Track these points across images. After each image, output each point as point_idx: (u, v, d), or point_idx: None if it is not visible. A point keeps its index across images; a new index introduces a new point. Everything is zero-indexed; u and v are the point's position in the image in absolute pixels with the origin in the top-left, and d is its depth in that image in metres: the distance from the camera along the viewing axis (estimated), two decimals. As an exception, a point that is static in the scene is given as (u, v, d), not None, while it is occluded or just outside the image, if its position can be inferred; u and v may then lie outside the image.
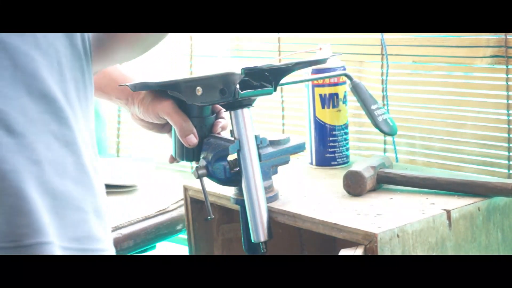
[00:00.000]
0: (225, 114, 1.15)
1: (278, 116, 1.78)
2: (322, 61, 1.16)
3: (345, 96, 1.38)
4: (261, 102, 1.82)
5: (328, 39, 1.58)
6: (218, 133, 1.13)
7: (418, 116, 1.52)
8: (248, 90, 1.07)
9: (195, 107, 1.09)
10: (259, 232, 1.10)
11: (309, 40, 1.63)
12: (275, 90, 1.10)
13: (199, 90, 1.06)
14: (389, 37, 1.51)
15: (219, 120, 1.13)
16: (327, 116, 1.38)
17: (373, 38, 1.54)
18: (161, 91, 1.09)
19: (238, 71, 1.06)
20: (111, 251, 0.89)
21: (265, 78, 1.09)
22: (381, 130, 1.32)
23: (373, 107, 1.33)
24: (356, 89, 1.33)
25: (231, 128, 1.11)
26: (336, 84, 1.37)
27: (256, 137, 1.11)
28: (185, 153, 1.12)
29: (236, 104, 1.08)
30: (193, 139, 1.09)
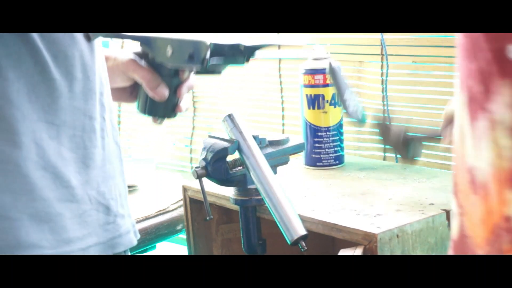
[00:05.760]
0: (221, 119, 1.13)
1: (278, 116, 1.78)
2: (293, 42, 1.12)
3: (334, 98, 1.36)
4: (261, 102, 1.83)
5: (328, 39, 1.58)
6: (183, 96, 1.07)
7: (418, 116, 1.51)
8: (218, 60, 1.02)
9: (163, 67, 1.05)
10: (295, 227, 1.00)
11: (309, 40, 1.63)
12: (247, 61, 1.05)
13: (169, 51, 1.03)
14: (389, 37, 1.51)
15: (185, 81, 1.07)
16: (312, 117, 1.38)
17: (373, 38, 1.54)
18: (126, 56, 1.05)
19: (209, 40, 1.02)
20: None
21: (237, 50, 1.05)
22: (351, 118, 1.27)
23: (347, 93, 1.28)
24: (332, 73, 1.29)
25: (227, 132, 1.10)
26: (325, 86, 1.36)
27: (255, 137, 1.11)
28: (156, 107, 1.06)
29: (203, 71, 1.05)
30: (164, 90, 1.03)
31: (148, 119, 1.12)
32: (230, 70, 1.89)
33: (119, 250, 0.91)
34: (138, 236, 0.95)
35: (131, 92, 1.08)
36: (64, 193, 0.85)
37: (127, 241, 0.92)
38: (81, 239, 0.86)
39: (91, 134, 0.88)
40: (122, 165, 0.95)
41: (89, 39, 0.85)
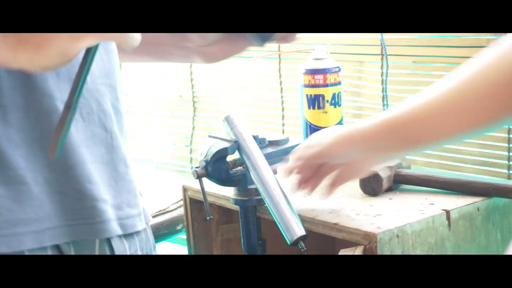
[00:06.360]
0: (221, 119, 1.12)
1: (278, 116, 1.78)
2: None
3: (334, 98, 1.37)
4: (261, 102, 1.83)
5: (328, 39, 1.58)
6: None
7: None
8: None
9: None
10: (294, 227, 1.01)
11: (309, 40, 1.63)
12: None
13: None
14: (389, 37, 1.51)
15: None
16: (312, 117, 1.38)
17: (373, 38, 1.54)
18: None
19: None
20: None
21: None
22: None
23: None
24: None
25: (227, 132, 1.10)
26: (325, 86, 1.36)
27: (255, 137, 1.11)
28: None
29: None
30: None
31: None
32: (230, 70, 1.89)
33: (99, 236, 0.88)
34: (143, 224, 0.92)
35: (224, 47, 0.94)
36: (11, 176, 0.83)
37: (114, 228, 0.89)
38: (35, 221, 0.83)
39: (51, 115, 0.84)
40: (115, 152, 0.90)
41: (53, 156, 0.78)
